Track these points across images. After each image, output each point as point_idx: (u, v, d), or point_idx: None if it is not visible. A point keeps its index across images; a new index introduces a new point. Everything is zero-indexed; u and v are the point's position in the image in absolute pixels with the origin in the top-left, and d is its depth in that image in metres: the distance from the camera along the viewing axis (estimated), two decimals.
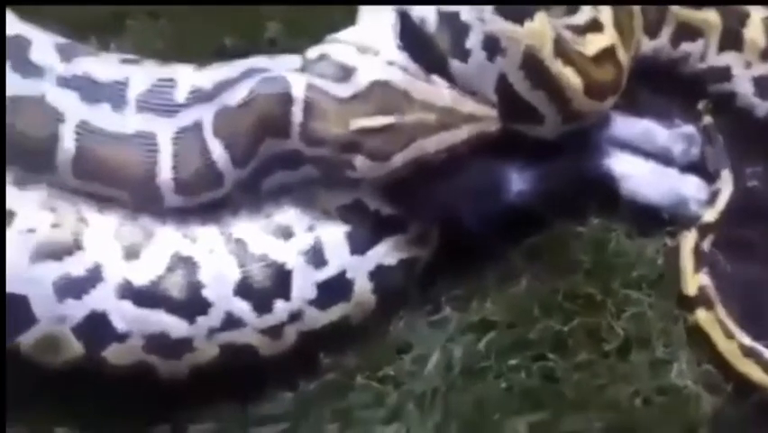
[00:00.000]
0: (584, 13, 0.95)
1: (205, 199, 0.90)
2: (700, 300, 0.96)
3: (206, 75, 0.90)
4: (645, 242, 0.98)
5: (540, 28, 0.85)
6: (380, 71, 0.87)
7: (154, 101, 0.89)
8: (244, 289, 0.88)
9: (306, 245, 0.90)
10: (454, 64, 0.88)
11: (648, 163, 0.98)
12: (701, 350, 0.95)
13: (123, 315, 0.86)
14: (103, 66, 0.91)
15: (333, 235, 0.91)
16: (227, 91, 0.88)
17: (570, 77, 0.88)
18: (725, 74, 1.03)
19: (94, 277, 0.86)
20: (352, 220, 0.91)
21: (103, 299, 0.86)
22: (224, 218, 0.90)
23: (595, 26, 0.93)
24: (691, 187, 0.98)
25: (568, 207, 0.96)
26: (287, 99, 0.86)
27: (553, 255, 0.96)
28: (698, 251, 0.97)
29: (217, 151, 0.87)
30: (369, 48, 0.89)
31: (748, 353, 0.95)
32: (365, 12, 0.94)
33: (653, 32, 1.01)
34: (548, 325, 0.94)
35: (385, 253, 0.92)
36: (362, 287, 0.92)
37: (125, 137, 0.88)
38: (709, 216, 0.97)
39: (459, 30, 0.87)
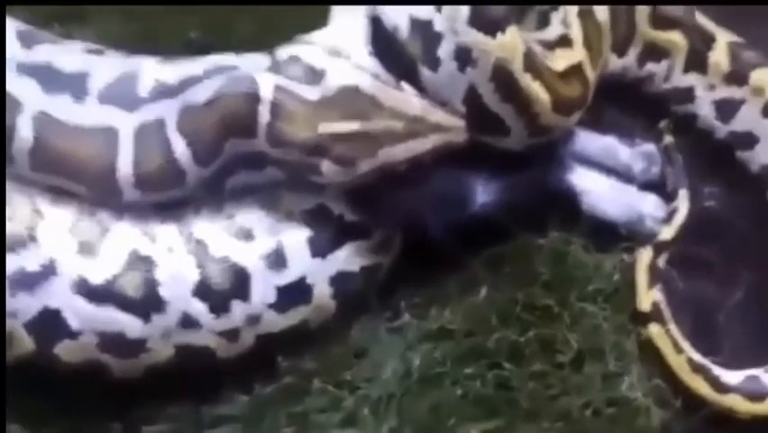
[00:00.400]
0: (554, 29, 0.96)
1: (166, 197, 0.89)
2: (653, 316, 0.97)
3: (171, 70, 0.89)
4: (603, 256, 0.99)
5: (511, 41, 0.86)
6: (350, 76, 0.87)
7: (117, 94, 0.87)
8: (202, 290, 0.87)
9: (267, 248, 0.90)
10: (424, 72, 0.88)
11: (609, 180, 1.00)
12: (652, 364, 0.97)
13: (77, 312, 0.85)
14: (65, 55, 0.89)
15: (295, 239, 0.91)
16: (193, 88, 0.87)
17: (538, 91, 0.89)
18: (688, 95, 1.04)
19: (48, 272, 0.85)
20: (315, 224, 0.91)
21: (56, 294, 0.84)
22: (185, 217, 0.89)
23: (564, 42, 0.95)
24: (649, 204, 1.00)
25: (530, 220, 0.97)
26: (254, 99, 0.85)
27: (513, 266, 0.97)
28: (653, 267, 0.98)
29: (180, 148, 0.86)
30: (339, 51, 0.88)
31: (697, 368, 0.97)
32: (337, 14, 0.94)
33: (620, 50, 1.02)
34: (505, 334, 0.95)
35: (346, 258, 0.92)
36: (322, 292, 0.91)
37: (85, 130, 0.86)
38: (666, 233, 0.99)
39: (431, 38, 0.86)
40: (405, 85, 0.88)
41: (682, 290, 1.01)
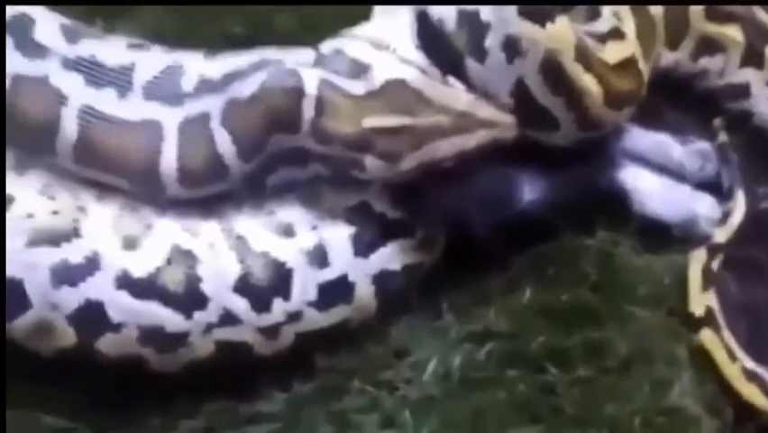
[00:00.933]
0: (606, 21, 0.93)
1: (209, 192, 0.88)
2: (706, 321, 0.94)
3: (216, 65, 0.88)
4: (653, 258, 0.96)
5: (562, 32, 0.83)
6: (396, 70, 0.85)
7: (161, 89, 0.87)
8: (243, 286, 0.86)
9: (308, 245, 0.88)
10: (471, 65, 0.86)
11: (661, 178, 0.97)
12: (704, 372, 0.93)
13: (119, 305, 0.85)
14: (109, 50, 0.89)
15: (338, 236, 0.89)
16: (237, 83, 0.86)
17: (589, 84, 0.86)
18: (743, 92, 1.01)
19: (91, 265, 0.84)
20: (358, 222, 0.90)
21: (99, 288, 0.84)
22: (226, 213, 0.89)
23: (617, 35, 0.91)
24: (704, 205, 0.97)
25: (577, 219, 0.94)
26: (298, 94, 0.84)
27: (559, 267, 0.94)
28: (707, 270, 0.95)
29: (224, 143, 0.86)
30: (385, 45, 0.86)
31: (752, 377, 0.94)
32: (380, 9, 0.93)
33: (673, 44, 0.98)
34: (550, 337, 0.92)
35: (389, 257, 0.90)
36: (364, 291, 0.90)
37: (130, 124, 0.86)
38: (720, 235, 0.96)
39: (478, 29, 0.84)
40: (452, 79, 0.86)
41: (737, 295, 0.98)
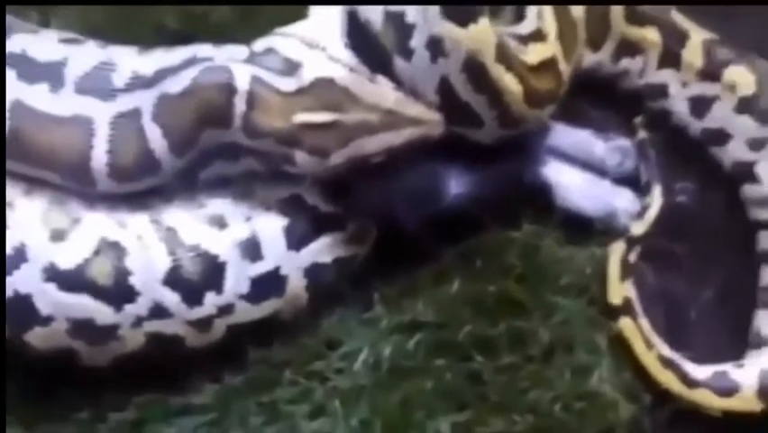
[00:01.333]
0: (530, 23, 0.96)
1: (141, 186, 0.89)
2: (624, 310, 0.98)
3: (148, 60, 0.89)
4: (576, 250, 0.99)
5: (483, 32, 0.86)
6: (326, 68, 0.87)
7: (93, 84, 0.87)
8: (174, 279, 0.87)
9: (241, 237, 0.89)
10: (398, 62, 0.88)
11: (583, 174, 1.00)
12: (622, 358, 0.97)
13: (47, 298, 0.85)
14: (42, 44, 0.89)
15: (271, 228, 0.90)
16: (169, 78, 0.87)
17: (510, 83, 0.89)
18: (662, 91, 1.04)
19: (18, 258, 0.84)
20: (291, 214, 0.91)
21: (27, 280, 0.84)
22: (156, 206, 0.89)
23: (538, 36, 0.94)
24: (623, 199, 1.00)
25: (503, 212, 0.97)
26: (230, 90, 0.85)
27: (486, 259, 0.97)
28: (625, 262, 0.98)
29: (156, 138, 0.86)
30: (316, 43, 0.88)
31: (667, 363, 0.97)
32: (315, 8, 0.94)
33: (595, 46, 1.02)
34: (477, 327, 0.95)
35: (321, 250, 0.92)
36: (296, 283, 0.91)
37: (61, 119, 0.86)
38: (638, 228, 0.99)
39: (404, 29, 0.86)
40: (380, 77, 0.88)
41: (654, 285, 1.02)
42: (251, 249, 0.90)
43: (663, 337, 1.00)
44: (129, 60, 0.89)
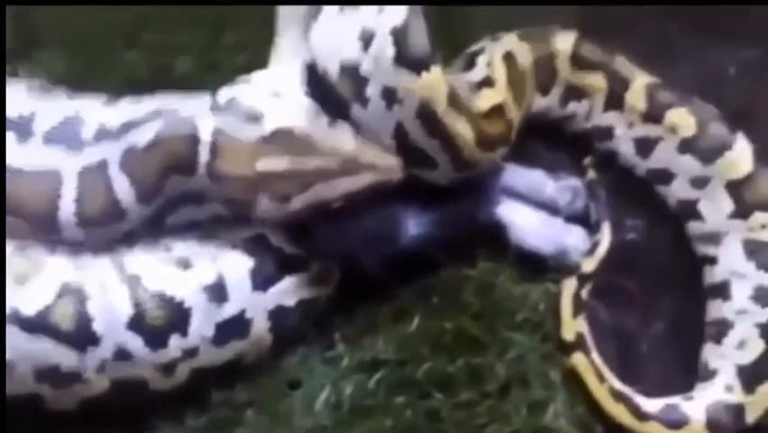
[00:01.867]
0: (480, 71, 1.01)
1: (108, 234, 0.91)
2: (577, 345, 1.01)
3: (115, 112, 0.92)
4: (530, 286, 1.03)
5: (435, 81, 0.90)
6: (286, 117, 0.90)
7: (61, 136, 0.90)
8: (137, 323, 0.88)
9: (207, 279, 0.91)
10: (356, 110, 0.91)
11: (535, 212, 1.04)
12: (576, 393, 1.00)
13: (12, 343, 0.86)
14: (10, 96, 0.92)
15: (237, 270, 0.92)
16: (135, 130, 0.90)
17: (461, 128, 0.92)
18: (608, 133, 1.09)
19: None
20: (256, 255, 0.93)
21: None
22: (118, 251, 0.91)
23: (488, 83, 0.99)
24: (574, 237, 1.04)
25: (459, 251, 1.00)
26: (194, 140, 0.88)
27: (443, 296, 1.00)
28: (577, 298, 1.02)
29: (123, 188, 0.89)
30: (277, 93, 0.92)
31: (619, 396, 1.00)
32: (275, 57, 0.98)
33: (544, 90, 1.07)
34: (435, 364, 0.97)
35: (285, 291, 0.94)
36: (260, 326, 0.93)
37: (29, 171, 0.89)
38: (588, 265, 1.03)
39: (359, 79, 0.90)
40: (340, 124, 0.92)
41: (605, 321, 1.05)
42: (217, 292, 0.92)
43: (615, 371, 1.03)
44: (96, 113, 0.92)
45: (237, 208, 0.91)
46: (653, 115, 1.07)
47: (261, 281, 0.93)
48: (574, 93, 1.08)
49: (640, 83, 1.08)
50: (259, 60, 1.00)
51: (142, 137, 0.89)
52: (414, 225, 0.99)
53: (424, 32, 0.88)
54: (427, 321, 0.99)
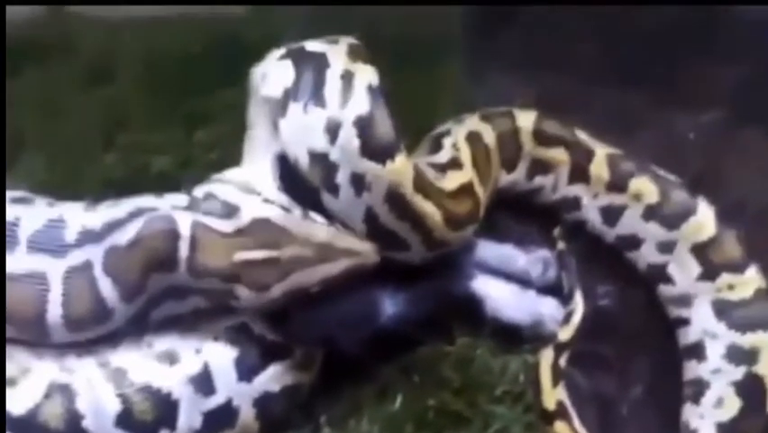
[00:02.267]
0: (446, 153, 1.05)
1: (94, 335, 0.93)
2: (558, 414, 1.02)
3: (96, 215, 0.94)
4: (509, 358, 1.05)
5: (401, 167, 0.93)
6: (261, 209, 0.93)
7: (45, 241, 0.92)
8: (126, 419, 0.90)
9: (193, 371, 0.93)
10: (326, 197, 0.95)
11: (509, 285, 1.07)
12: None
13: None
14: None
15: (221, 360, 0.94)
16: (116, 231, 0.92)
17: (430, 210, 0.96)
18: (575, 204, 1.13)
19: None
20: (239, 344, 0.95)
21: None
22: (103, 350, 0.93)
23: (454, 164, 1.03)
24: (548, 307, 1.07)
25: (436, 327, 1.03)
26: (173, 236, 0.91)
27: (424, 374, 1.02)
28: (555, 367, 1.04)
29: (107, 288, 0.91)
30: (251, 188, 0.95)
31: None
32: (248, 151, 1.01)
33: (510, 167, 1.11)
34: None
35: (270, 379, 0.96)
36: (247, 414, 0.95)
37: (15, 277, 0.91)
38: (564, 334, 1.05)
39: (328, 168, 0.94)
40: (312, 214, 0.95)
41: (584, 387, 1.07)
42: (204, 383, 0.93)
43: None
44: (77, 216, 0.94)
45: (218, 299, 0.93)
46: (617, 184, 1.11)
47: (246, 371, 0.95)
48: (539, 167, 1.12)
49: (601, 154, 1.12)
50: (231, 155, 1.04)
51: (123, 237, 0.92)
52: (390, 305, 1.01)
53: (387, 121, 0.92)
54: (410, 399, 1.01)
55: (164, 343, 0.94)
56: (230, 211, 0.92)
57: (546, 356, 1.04)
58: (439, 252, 1.01)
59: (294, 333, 0.98)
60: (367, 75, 0.92)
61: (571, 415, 1.03)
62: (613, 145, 1.13)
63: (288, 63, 0.94)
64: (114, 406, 0.90)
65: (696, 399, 1.05)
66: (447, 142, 1.06)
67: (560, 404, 1.03)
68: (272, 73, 0.95)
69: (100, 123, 1.11)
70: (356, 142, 0.91)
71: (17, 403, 0.88)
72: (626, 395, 1.08)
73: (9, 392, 0.89)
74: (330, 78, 0.92)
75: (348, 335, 0.99)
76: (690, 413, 1.06)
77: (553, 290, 1.08)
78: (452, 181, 1.00)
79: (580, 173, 1.12)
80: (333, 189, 0.94)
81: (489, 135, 1.08)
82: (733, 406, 1.04)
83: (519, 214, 1.13)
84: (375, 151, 0.92)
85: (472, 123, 1.10)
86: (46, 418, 0.88)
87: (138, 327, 0.94)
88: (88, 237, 0.92)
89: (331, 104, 0.92)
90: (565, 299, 1.07)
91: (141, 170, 1.09)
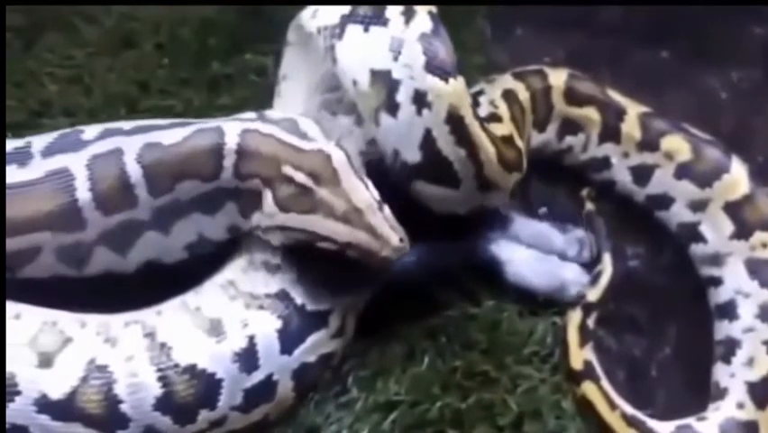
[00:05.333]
0: (484, 108, 1.03)
1: (126, 217, 0.90)
2: (586, 374, 1.03)
3: (122, 124, 0.92)
4: (535, 321, 1.05)
5: (461, 88, 0.92)
6: (329, 146, 0.91)
7: (61, 145, 0.90)
8: (166, 402, 0.87)
9: (239, 346, 0.90)
10: (384, 119, 0.92)
11: (530, 250, 1.05)
12: (589, 421, 1.01)
13: (43, 429, 0.86)
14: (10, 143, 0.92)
15: (266, 334, 0.91)
16: (155, 131, 0.90)
17: (485, 141, 0.94)
18: (605, 164, 1.12)
19: (10, 391, 0.85)
20: (282, 314, 0.92)
21: (21, 413, 0.85)
22: (147, 316, 0.91)
23: (495, 118, 1.02)
24: (571, 272, 1.06)
25: (456, 286, 1.02)
26: (218, 149, 0.89)
27: (451, 336, 1.02)
28: (583, 327, 1.04)
29: (136, 175, 0.89)
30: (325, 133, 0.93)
31: (631, 422, 1.02)
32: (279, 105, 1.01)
33: (541, 126, 1.10)
34: (447, 402, 0.99)
35: (308, 350, 0.94)
36: (285, 386, 0.93)
37: (35, 180, 0.88)
38: (592, 295, 1.05)
39: (390, 86, 0.91)
40: (369, 183, 0.91)
41: (613, 348, 1.07)
42: (248, 359, 0.90)
43: (626, 397, 1.04)
44: (95, 127, 0.92)
45: (247, 202, 0.91)
46: (649, 143, 1.09)
47: (288, 343, 0.93)
48: (570, 127, 1.11)
49: (633, 113, 1.10)
50: None
51: (166, 137, 0.89)
52: (410, 254, 0.94)
53: (448, 42, 0.91)
54: (437, 360, 1.01)
55: (211, 308, 0.91)
56: (301, 134, 0.92)
57: (574, 317, 1.04)
58: (484, 201, 0.97)
59: (338, 299, 0.94)
60: (426, 4, 0.92)
61: (599, 375, 1.03)
62: (644, 104, 1.11)
63: None
64: (155, 389, 0.88)
65: (727, 358, 1.05)
66: (483, 99, 1.04)
67: (587, 364, 1.03)
68: (325, 8, 0.94)
69: (123, 87, 1.10)
70: (421, 58, 0.90)
71: (55, 386, 0.86)
72: (655, 356, 1.07)
73: (46, 372, 0.86)
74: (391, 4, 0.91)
75: (369, 282, 0.96)
76: (720, 372, 1.06)
77: (587, 266, 1.06)
78: (496, 131, 0.98)
79: (611, 132, 1.10)
80: (393, 109, 0.92)
81: (522, 94, 1.07)
82: (764, 365, 1.03)
83: (549, 174, 1.11)
84: (438, 68, 0.90)
85: (506, 81, 1.09)
86: (84, 402, 0.86)
87: (165, 230, 0.90)
88: (113, 133, 0.90)
89: (393, 23, 0.91)
90: (593, 260, 1.07)
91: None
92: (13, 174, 0.88)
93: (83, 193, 0.88)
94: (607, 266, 1.05)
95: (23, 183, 0.88)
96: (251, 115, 0.94)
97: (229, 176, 0.90)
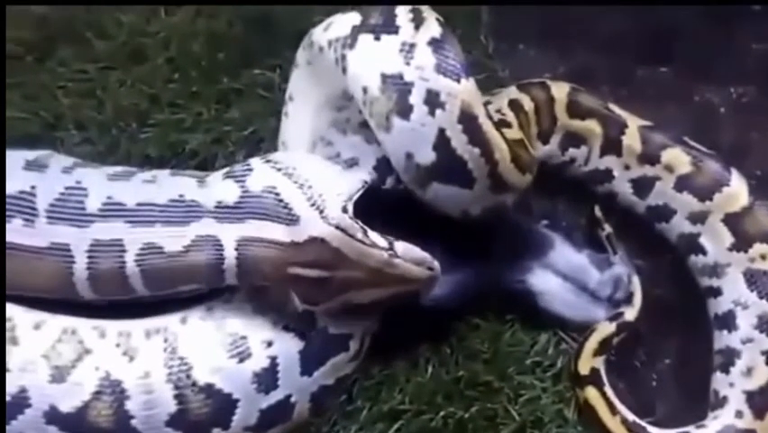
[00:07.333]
0: (492, 116, 1.02)
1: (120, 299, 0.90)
2: (591, 379, 1.05)
3: (128, 188, 0.91)
4: (538, 331, 1.06)
5: (473, 87, 0.93)
6: (320, 228, 0.89)
7: (65, 210, 0.89)
8: (179, 419, 0.88)
9: (260, 366, 0.90)
10: (396, 123, 0.93)
11: (564, 283, 1.06)
12: (591, 429, 1.04)
13: None
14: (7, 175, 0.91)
15: (289, 354, 0.92)
16: (157, 224, 0.88)
17: (499, 139, 0.95)
18: (607, 176, 1.13)
19: (20, 403, 0.86)
20: (305, 335, 0.93)
21: (30, 424, 0.86)
22: (170, 324, 0.91)
23: (504, 124, 1.03)
24: (602, 313, 1.07)
25: (488, 309, 1.03)
26: (218, 263, 0.88)
27: (455, 345, 1.04)
28: (607, 341, 1.06)
29: (136, 279, 0.89)
30: (314, 201, 0.90)
31: (632, 428, 1.04)
32: (286, 130, 1.03)
33: (544, 139, 1.12)
34: (451, 411, 1.01)
35: (327, 372, 0.95)
36: (303, 408, 0.94)
37: (39, 249, 0.89)
38: (630, 314, 1.07)
39: (402, 88, 0.92)
40: (373, 235, 0.90)
41: (616, 357, 1.08)
42: (268, 380, 0.91)
43: (627, 405, 1.06)
44: (101, 184, 0.91)
45: (271, 299, 0.91)
46: (650, 156, 1.11)
47: (308, 365, 0.93)
48: (572, 139, 1.12)
49: (634, 126, 1.12)
50: (263, 133, 1.07)
51: (165, 239, 0.88)
52: (439, 285, 0.95)
53: (458, 46, 0.93)
54: (441, 370, 1.03)
55: (236, 324, 0.91)
56: (290, 219, 0.89)
57: (605, 329, 1.06)
58: (498, 200, 0.97)
59: (354, 325, 0.95)
60: (433, 12, 0.94)
61: (603, 381, 1.05)
62: (644, 119, 1.12)
63: (355, 12, 0.95)
64: (170, 406, 0.88)
65: (725, 368, 1.07)
66: (491, 108, 1.04)
67: (594, 371, 1.05)
68: (338, 20, 0.96)
69: (135, 101, 1.11)
70: (432, 60, 0.91)
71: (66, 400, 0.86)
72: (655, 365, 1.09)
73: (59, 386, 0.86)
74: (400, 13, 0.93)
75: (394, 316, 0.96)
76: (719, 382, 1.07)
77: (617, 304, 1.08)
78: (507, 135, 0.98)
79: (612, 145, 1.11)
80: (406, 112, 0.92)
81: (528, 104, 1.09)
82: (762, 375, 1.05)
83: (550, 186, 1.12)
84: (449, 69, 0.92)
85: (511, 92, 1.10)
86: (94, 416, 0.86)
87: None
88: (117, 210, 0.89)
89: (403, 30, 0.93)
90: (625, 299, 1.07)
91: (175, 147, 1.09)
92: (20, 233, 0.88)
93: (80, 273, 0.88)
94: (637, 286, 1.08)
95: (29, 248, 0.89)
96: (230, 190, 0.90)
97: (234, 281, 0.90)
